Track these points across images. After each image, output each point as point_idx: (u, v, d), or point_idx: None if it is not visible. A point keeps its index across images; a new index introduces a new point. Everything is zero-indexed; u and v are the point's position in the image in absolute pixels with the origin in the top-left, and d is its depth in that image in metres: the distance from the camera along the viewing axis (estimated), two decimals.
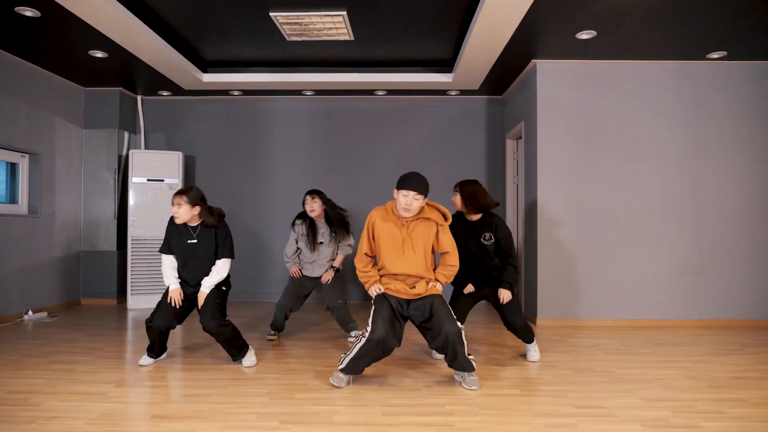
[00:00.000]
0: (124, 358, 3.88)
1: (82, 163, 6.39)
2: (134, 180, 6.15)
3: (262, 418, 2.69)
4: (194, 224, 3.65)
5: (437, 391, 3.12)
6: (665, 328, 5.11)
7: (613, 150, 5.31)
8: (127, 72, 5.80)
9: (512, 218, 6.56)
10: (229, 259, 3.69)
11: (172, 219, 3.64)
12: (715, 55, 5.11)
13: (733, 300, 5.25)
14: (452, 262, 3.34)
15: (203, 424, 2.59)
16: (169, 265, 3.66)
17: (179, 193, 3.58)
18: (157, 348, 3.69)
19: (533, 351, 3.90)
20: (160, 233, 6.22)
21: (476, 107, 6.71)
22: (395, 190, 3.24)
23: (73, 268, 6.24)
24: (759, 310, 5.24)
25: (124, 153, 6.53)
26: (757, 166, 5.29)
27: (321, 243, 4.48)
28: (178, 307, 3.57)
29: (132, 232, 6.11)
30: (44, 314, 5.47)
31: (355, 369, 3.22)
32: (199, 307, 3.58)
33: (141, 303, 6.04)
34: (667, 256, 5.28)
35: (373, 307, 3.25)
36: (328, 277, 4.46)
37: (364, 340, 3.14)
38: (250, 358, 3.68)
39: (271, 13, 4.46)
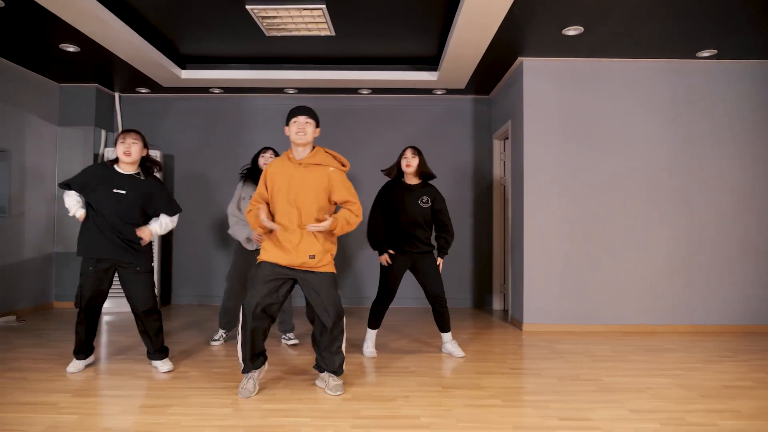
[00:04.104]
0: (90, 363, 3.66)
1: (56, 161, 6.18)
2: None
3: (223, 431, 2.50)
4: (128, 172, 3.42)
5: (415, 401, 2.94)
6: (656, 334, 4.96)
7: (602, 150, 5.16)
8: (102, 68, 5.60)
9: (499, 221, 6.40)
10: (178, 214, 3.58)
11: (101, 163, 3.48)
12: (705, 54, 4.98)
13: (725, 305, 5.11)
14: (357, 212, 3.10)
15: None
16: (74, 198, 3.44)
17: (131, 131, 3.41)
18: (84, 345, 3.47)
19: (454, 346, 4.04)
20: None
21: (463, 107, 6.55)
22: (286, 128, 3.07)
23: (45, 270, 6.01)
24: (752, 315, 5.10)
25: (101, 151, 6.31)
26: (749, 167, 5.16)
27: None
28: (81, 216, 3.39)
29: None
30: (12, 318, 5.25)
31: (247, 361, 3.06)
32: (127, 283, 3.40)
33: (115, 307, 5.83)
34: (658, 259, 5.13)
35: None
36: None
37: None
38: (168, 363, 3.53)
39: (247, 6, 4.27)
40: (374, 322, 4.04)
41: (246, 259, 4.26)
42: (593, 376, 3.50)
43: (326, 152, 3.14)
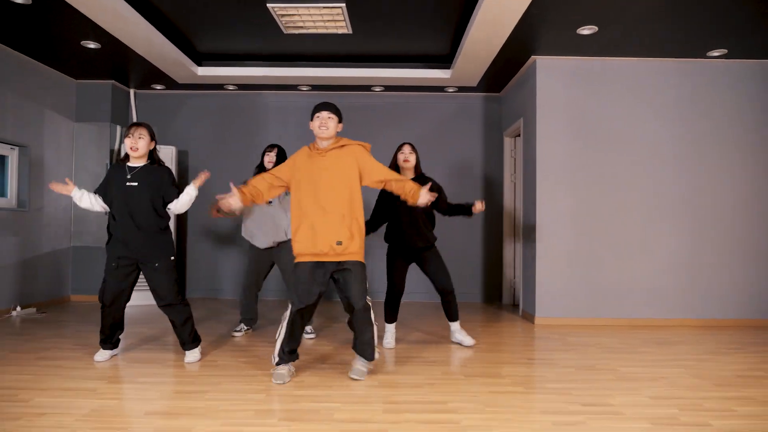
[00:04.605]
0: (117, 354, 3.76)
1: (72, 156, 6.26)
2: None
3: (261, 415, 2.60)
4: (137, 165, 3.48)
5: (440, 388, 3.04)
6: (663, 328, 5.07)
7: (611, 148, 5.26)
8: (120, 64, 5.68)
9: (509, 217, 6.50)
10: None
11: (116, 162, 3.56)
12: (715, 53, 5.08)
13: (730, 299, 5.22)
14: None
15: (200, 421, 2.49)
16: (86, 194, 3.48)
17: (138, 125, 3.46)
18: (108, 336, 3.54)
19: (462, 335, 4.10)
20: None
21: (474, 104, 6.65)
22: (310, 123, 3.18)
23: (63, 264, 6.10)
24: (757, 309, 5.21)
25: (116, 147, 6.40)
26: (755, 166, 5.27)
27: (270, 202, 4.23)
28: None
29: None
30: (33, 310, 5.34)
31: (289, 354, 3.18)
32: (150, 279, 3.44)
33: (132, 300, 5.90)
34: (665, 254, 5.24)
35: None
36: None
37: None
38: (196, 354, 3.58)
39: (268, 4, 4.37)
40: (390, 316, 4.13)
41: (256, 257, 4.35)
42: (608, 366, 3.61)
43: (349, 140, 3.25)
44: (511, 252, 6.51)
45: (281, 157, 4.29)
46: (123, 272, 3.43)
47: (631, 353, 4.00)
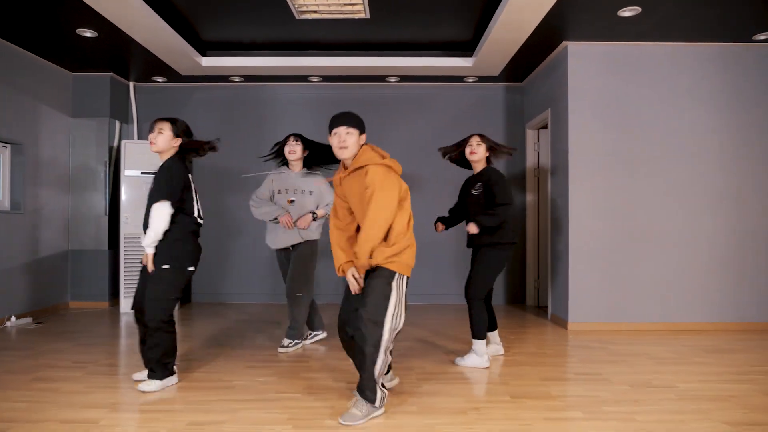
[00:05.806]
0: (120, 372, 3.40)
1: (69, 154, 5.89)
2: (127, 173, 5.64)
3: None
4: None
5: (489, 414, 2.69)
6: (706, 332, 4.72)
7: (649, 139, 4.89)
8: (118, 55, 5.30)
9: (532, 213, 6.14)
10: (165, 203, 2.94)
11: (183, 164, 3.09)
12: (761, 36, 4.70)
13: None
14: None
15: None
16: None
17: (163, 119, 3.12)
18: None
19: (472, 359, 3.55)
20: None
21: (494, 95, 6.27)
22: (329, 137, 2.73)
23: (61, 269, 5.74)
24: None
25: (115, 144, 6.03)
26: None
27: (292, 201, 3.87)
28: None
29: (125, 229, 5.61)
30: (29, 320, 4.98)
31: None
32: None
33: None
34: (706, 253, 4.87)
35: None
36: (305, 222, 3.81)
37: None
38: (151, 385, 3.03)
39: None
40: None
41: (280, 259, 4.17)
42: (665, 381, 3.25)
43: (372, 150, 2.73)
44: (534, 250, 6.15)
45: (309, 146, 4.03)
46: None
47: (685, 364, 3.64)
